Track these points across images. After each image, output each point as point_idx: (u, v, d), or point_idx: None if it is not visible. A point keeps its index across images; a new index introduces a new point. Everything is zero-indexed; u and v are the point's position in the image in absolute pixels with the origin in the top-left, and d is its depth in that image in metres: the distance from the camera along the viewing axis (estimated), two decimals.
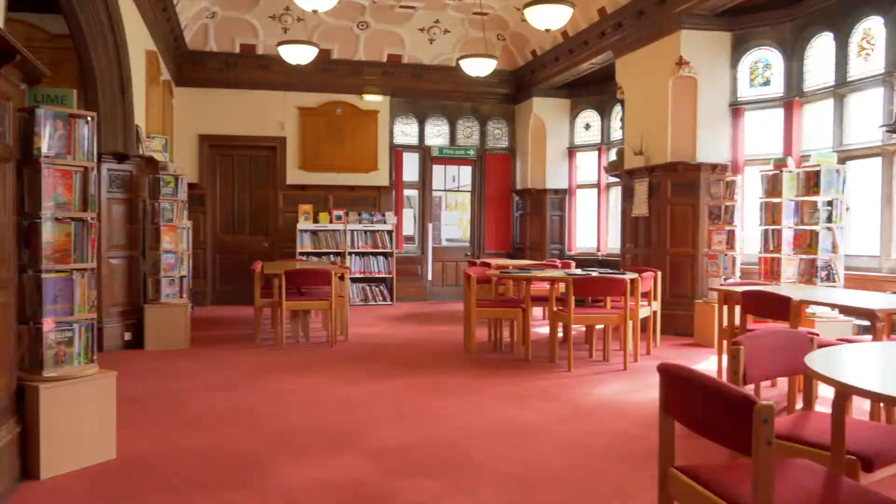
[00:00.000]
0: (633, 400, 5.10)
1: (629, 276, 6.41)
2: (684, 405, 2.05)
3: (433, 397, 5.16)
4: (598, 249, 11.55)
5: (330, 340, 7.50)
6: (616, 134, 11.34)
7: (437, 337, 8.17)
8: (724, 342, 5.37)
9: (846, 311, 4.57)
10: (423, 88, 12.07)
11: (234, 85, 11.28)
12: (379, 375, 5.95)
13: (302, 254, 11.23)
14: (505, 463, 3.70)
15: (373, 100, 11.82)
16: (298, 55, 8.37)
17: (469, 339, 6.89)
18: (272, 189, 11.66)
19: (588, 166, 12.14)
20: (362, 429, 4.33)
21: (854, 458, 2.29)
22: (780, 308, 4.53)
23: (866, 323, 6.25)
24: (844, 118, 7.37)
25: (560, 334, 6.82)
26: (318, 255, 11.35)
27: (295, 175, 11.62)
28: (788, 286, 6.38)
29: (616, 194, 11.35)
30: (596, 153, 11.83)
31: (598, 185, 11.73)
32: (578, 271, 7.21)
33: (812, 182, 6.57)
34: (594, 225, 11.78)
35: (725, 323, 5.31)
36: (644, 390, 5.40)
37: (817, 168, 6.53)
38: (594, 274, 6.57)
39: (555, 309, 6.47)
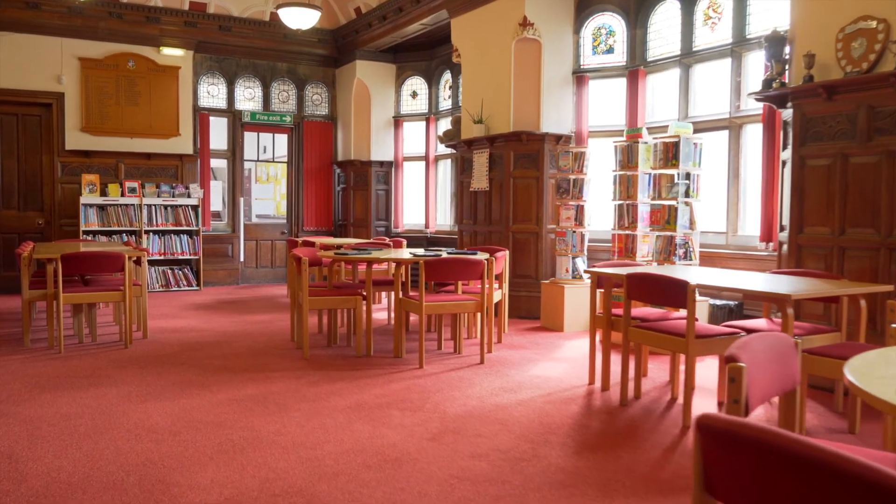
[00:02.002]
0: (506, 404, 4.35)
1: (482, 256, 5.68)
2: (751, 487, 1.25)
3: (264, 416, 4.08)
4: (427, 226, 10.83)
5: (124, 339, 6.11)
6: (444, 104, 10.63)
7: (258, 329, 7.00)
8: (599, 331, 4.77)
9: (753, 296, 4.09)
10: (233, 44, 10.60)
11: None
12: (190, 386, 4.75)
13: (87, 233, 9.47)
14: None
15: (173, 54, 10.18)
16: None
17: (301, 334, 5.83)
18: (47, 155, 9.71)
19: (415, 138, 11.35)
20: (172, 472, 3.19)
21: None
22: (673, 293, 3.96)
23: (720, 302, 5.99)
24: (690, 89, 7.12)
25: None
26: (108, 234, 9.65)
27: (77, 139, 9.74)
28: (647, 265, 5.96)
29: (445, 167, 10.68)
30: (424, 123, 11.06)
31: (426, 158, 10.98)
32: (421, 251, 6.39)
33: (671, 154, 6.17)
34: (422, 200, 11.03)
35: (600, 309, 4.71)
36: (514, 390, 4.67)
37: (675, 139, 6.15)
38: (444, 255, 5.76)
39: (401, 296, 5.59)
